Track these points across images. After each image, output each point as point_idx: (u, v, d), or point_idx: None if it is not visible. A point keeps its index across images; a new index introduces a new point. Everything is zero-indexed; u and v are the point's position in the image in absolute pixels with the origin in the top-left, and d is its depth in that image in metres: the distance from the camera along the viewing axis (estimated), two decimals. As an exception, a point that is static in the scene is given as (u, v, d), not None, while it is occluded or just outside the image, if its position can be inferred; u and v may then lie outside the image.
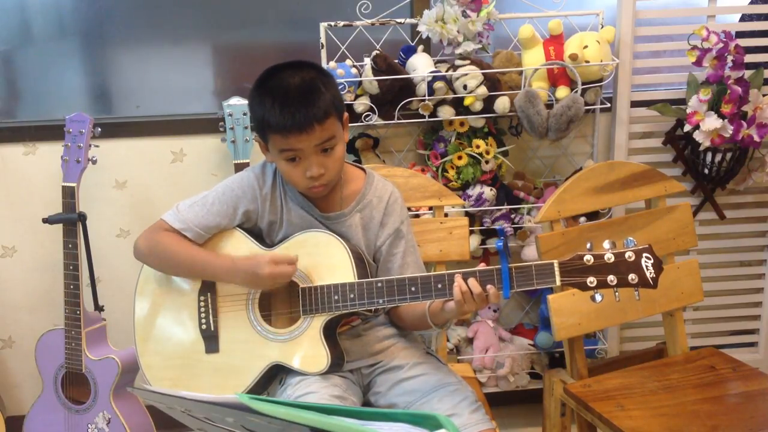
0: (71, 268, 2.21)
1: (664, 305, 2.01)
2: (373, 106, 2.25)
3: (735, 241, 2.61)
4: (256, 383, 1.61)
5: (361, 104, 2.25)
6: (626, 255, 1.45)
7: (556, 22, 2.30)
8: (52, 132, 2.39)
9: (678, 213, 2.04)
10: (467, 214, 2.34)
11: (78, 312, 2.21)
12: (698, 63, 2.26)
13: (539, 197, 2.45)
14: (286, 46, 2.66)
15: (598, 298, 1.46)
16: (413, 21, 2.34)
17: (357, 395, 1.64)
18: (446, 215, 2.02)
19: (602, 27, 2.36)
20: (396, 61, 2.28)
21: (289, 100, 1.50)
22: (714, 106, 2.26)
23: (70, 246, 2.21)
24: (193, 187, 2.41)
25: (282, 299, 1.66)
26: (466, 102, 2.25)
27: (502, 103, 2.28)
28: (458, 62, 2.28)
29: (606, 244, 1.47)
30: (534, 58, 2.30)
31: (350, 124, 2.24)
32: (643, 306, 1.98)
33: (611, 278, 1.45)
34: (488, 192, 2.35)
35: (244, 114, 2.26)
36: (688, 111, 2.29)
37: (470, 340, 2.51)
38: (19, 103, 2.60)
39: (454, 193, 2.07)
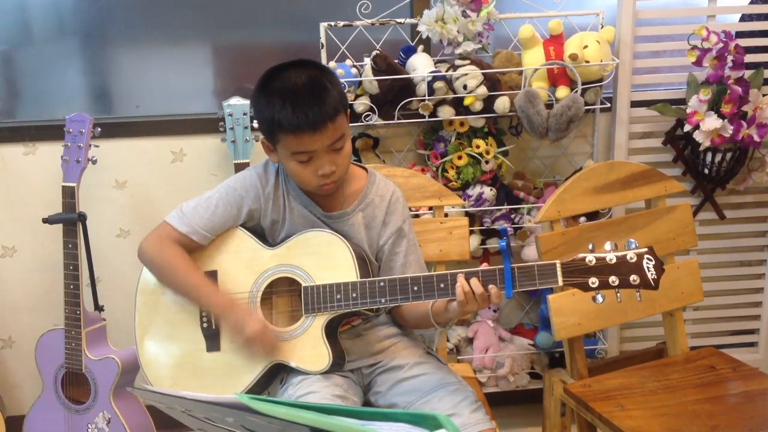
0: (71, 268, 2.21)
1: (664, 305, 2.01)
2: (373, 106, 2.25)
3: (735, 241, 2.61)
4: (257, 382, 1.61)
5: (361, 104, 2.25)
6: (628, 256, 1.46)
7: (556, 22, 2.30)
8: (52, 132, 2.39)
9: (678, 213, 2.04)
10: (467, 214, 2.34)
11: (78, 312, 2.21)
12: (698, 63, 2.26)
13: (539, 197, 2.45)
14: (286, 46, 2.66)
15: (599, 299, 1.47)
16: (413, 21, 2.34)
17: (358, 395, 1.65)
18: (446, 215, 2.02)
19: (602, 27, 2.36)
20: (396, 61, 2.28)
21: (299, 99, 1.49)
22: (714, 106, 2.26)
23: (70, 246, 2.20)
24: (193, 187, 2.42)
25: (284, 298, 1.66)
26: (466, 102, 2.25)
27: (502, 103, 2.28)
28: (458, 62, 2.28)
29: (608, 246, 1.48)
30: (534, 58, 2.30)
31: (350, 124, 2.25)
32: (643, 306, 1.98)
33: (613, 279, 1.46)
34: (488, 192, 2.35)
35: (244, 114, 2.26)
36: (688, 111, 2.29)
37: (470, 340, 2.51)
38: (19, 103, 2.60)
39: (454, 193, 2.07)
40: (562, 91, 2.28)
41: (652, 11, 2.42)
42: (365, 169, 1.73)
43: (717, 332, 2.68)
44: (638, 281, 1.45)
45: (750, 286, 2.66)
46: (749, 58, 2.30)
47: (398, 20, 2.33)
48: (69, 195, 2.20)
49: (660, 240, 1.97)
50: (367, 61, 2.24)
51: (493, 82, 2.27)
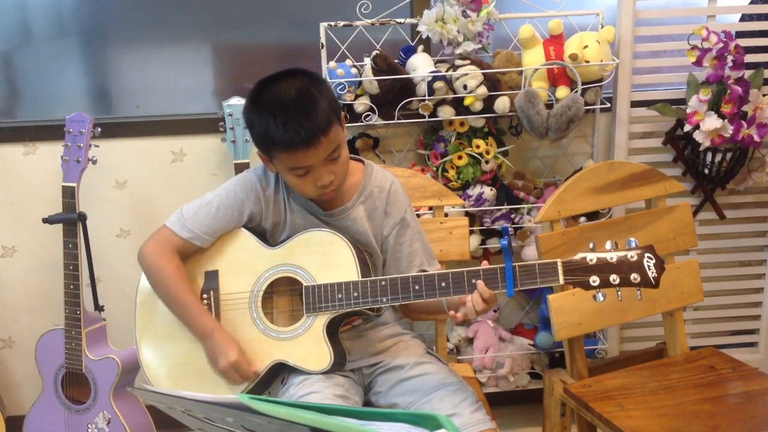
0: (71, 268, 2.21)
1: (664, 305, 2.01)
2: (373, 106, 2.25)
3: (735, 241, 2.61)
4: (258, 382, 1.61)
5: (361, 104, 2.25)
6: (629, 255, 1.46)
7: (556, 22, 2.30)
8: (52, 132, 2.39)
9: (678, 213, 2.04)
10: (467, 214, 2.34)
11: (78, 312, 2.21)
12: (698, 63, 2.26)
13: (539, 197, 2.45)
14: (286, 46, 2.66)
15: (600, 297, 1.47)
16: (413, 21, 2.34)
17: (359, 395, 1.65)
18: (446, 215, 2.02)
19: (602, 27, 2.36)
20: (396, 61, 2.28)
21: (289, 114, 1.48)
22: (714, 106, 2.26)
23: (70, 246, 2.20)
24: (193, 187, 2.42)
25: (285, 297, 1.66)
26: (466, 102, 2.25)
27: (502, 103, 2.28)
28: (458, 62, 2.28)
29: (608, 245, 1.48)
30: (534, 58, 2.30)
31: (350, 124, 2.26)
32: (643, 306, 1.98)
33: (614, 278, 1.46)
34: (488, 192, 2.35)
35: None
36: (688, 111, 2.29)
37: (470, 340, 2.51)
38: (19, 103, 2.60)
39: (454, 193, 2.07)
40: (562, 91, 2.28)
41: (652, 11, 2.42)
42: (361, 161, 1.73)
43: (717, 332, 2.68)
44: (639, 280, 1.46)
45: (750, 286, 2.66)
46: (749, 58, 2.30)
47: (398, 20, 2.33)
48: (69, 195, 2.20)
49: (660, 240, 1.97)
50: (367, 61, 2.24)
51: (493, 82, 2.27)
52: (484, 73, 2.25)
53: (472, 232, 2.37)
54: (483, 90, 2.24)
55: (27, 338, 2.55)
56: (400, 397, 1.63)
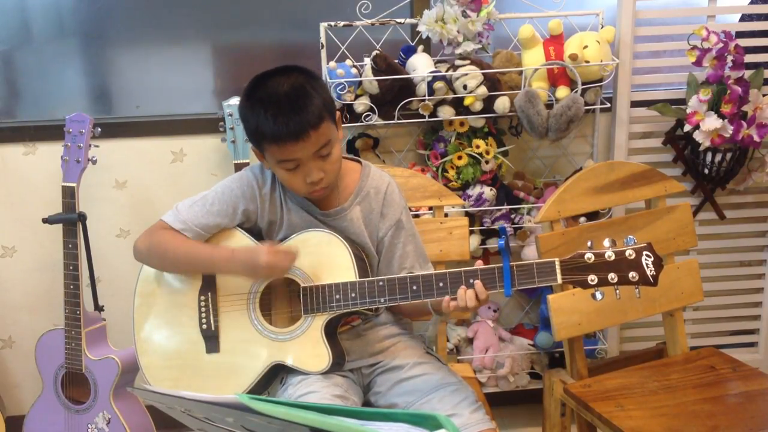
0: (71, 268, 2.21)
1: (664, 305, 2.01)
2: (373, 106, 2.25)
3: (735, 241, 2.61)
4: (257, 383, 1.61)
5: (361, 104, 2.25)
6: (627, 253, 1.46)
7: (556, 22, 2.30)
8: (52, 132, 2.39)
9: (678, 213, 2.04)
10: (467, 214, 2.34)
11: (78, 312, 2.21)
12: (698, 63, 2.26)
13: (539, 197, 2.45)
14: (286, 46, 2.66)
15: (598, 296, 1.47)
16: (413, 21, 2.34)
17: (358, 395, 1.65)
18: (446, 215, 2.02)
19: (602, 27, 2.36)
20: (396, 61, 2.28)
21: (281, 108, 1.49)
22: (714, 106, 2.26)
23: (70, 246, 2.20)
24: (193, 187, 2.41)
25: (283, 299, 1.66)
26: (466, 102, 2.25)
27: (502, 103, 2.28)
28: (458, 62, 2.28)
29: (606, 243, 1.48)
30: (534, 58, 2.30)
31: (350, 124, 2.26)
32: (643, 306, 1.98)
33: (612, 276, 1.46)
34: (488, 192, 2.35)
35: (244, 114, 2.26)
36: (688, 111, 2.29)
37: (470, 340, 2.51)
38: (19, 103, 2.60)
39: (454, 193, 2.07)
40: (562, 91, 2.28)
41: (652, 11, 2.42)
42: (359, 161, 1.73)
43: (717, 332, 2.68)
44: (637, 278, 1.45)
45: (750, 286, 2.66)
46: (749, 58, 2.30)
47: (398, 20, 2.33)
48: (69, 195, 2.20)
49: (660, 240, 1.97)
50: (367, 61, 2.24)
51: (493, 82, 2.27)
52: (484, 73, 2.25)
53: (472, 232, 2.37)
54: (483, 90, 2.24)
55: (27, 338, 2.55)
56: (400, 398, 1.63)
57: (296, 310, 1.62)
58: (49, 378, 2.28)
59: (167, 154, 2.49)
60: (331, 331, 1.61)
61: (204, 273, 1.64)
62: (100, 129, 2.23)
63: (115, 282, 2.54)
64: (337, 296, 1.57)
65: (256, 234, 1.68)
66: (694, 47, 2.25)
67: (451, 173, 2.34)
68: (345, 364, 1.65)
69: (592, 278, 1.46)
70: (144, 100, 2.58)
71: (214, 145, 2.45)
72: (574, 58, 2.23)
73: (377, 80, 2.20)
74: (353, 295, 1.56)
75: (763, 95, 2.34)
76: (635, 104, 2.45)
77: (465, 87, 2.24)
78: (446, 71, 2.26)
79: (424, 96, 2.24)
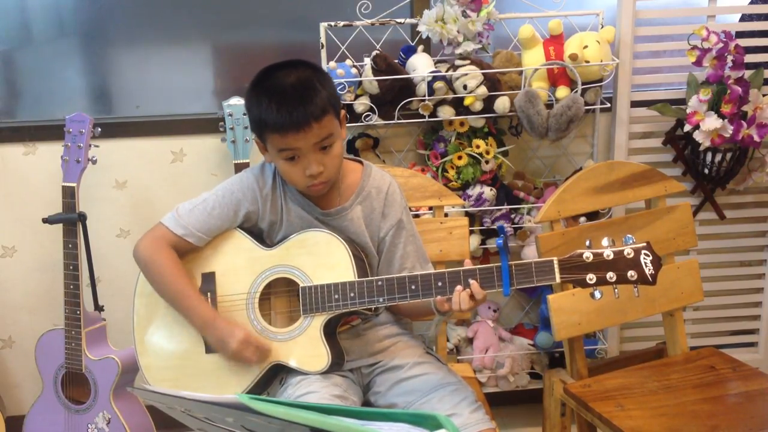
0: (71, 268, 2.21)
1: (664, 305, 2.01)
2: (373, 106, 2.25)
3: (735, 241, 2.61)
4: (257, 383, 1.61)
5: (361, 104, 2.25)
6: (625, 252, 1.46)
7: (556, 22, 2.30)
8: (52, 132, 2.39)
9: (678, 213, 2.04)
10: (467, 214, 2.34)
11: (78, 312, 2.21)
12: (698, 63, 2.26)
13: (539, 197, 2.45)
14: (286, 46, 2.66)
15: (597, 295, 1.47)
16: (413, 21, 2.34)
17: (357, 395, 1.65)
18: (446, 215, 2.02)
19: (602, 27, 2.36)
20: (396, 61, 2.28)
21: (285, 98, 1.50)
22: (714, 106, 2.26)
23: (70, 246, 2.20)
24: (193, 187, 2.42)
25: (282, 298, 1.66)
26: (466, 102, 2.25)
27: (502, 103, 2.28)
28: (458, 62, 2.28)
29: (605, 242, 1.48)
30: (534, 58, 2.30)
31: (350, 124, 2.26)
32: (643, 306, 1.98)
33: (610, 275, 1.46)
34: (488, 192, 2.35)
35: (244, 114, 2.26)
36: (688, 111, 2.29)
37: (470, 340, 2.50)
38: (19, 103, 2.60)
39: (454, 193, 2.07)
40: (562, 91, 2.28)
41: (652, 11, 2.42)
42: (360, 161, 1.73)
43: (717, 332, 2.68)
44: (636, 277, 1.45)
45: (750, 286, 2.66)
46: (749, 58, 2.30)
47: (398, 20, 2.33)
48: (69, 195, 2.20)
49: (660, 240, 1.97)
50: (367, 61, 2.24)
51: (493, 82, 2.27)
52: (484, 73, 2.25)
53: (472, 232, 2.37)
54: (483, 90, 2.24)
55: (27, 338, 2.55)
56: (399, 397, 1.63)
57: (295, 310, 1.62)
58: (49, 378, 2.28)
59: (167, 154, 2.49)
60: (330, 331, 1.61)
61: (180, 313, 1.63)
62: (100, 129, 2.23)
63: (115, 282, 2.54)
64: (336, 296, 1.57)
65: (257, 234, 1.68)
66: (694, 47, 2.25)
67: (451, 173, 2.34)
68: (344, 364, 1.65)
69: (591, 277, 1.46)
70: (144, 100, 2.58)
71: (214, 145, 2.45)
72: (574, 58, 2.23)
73: (377, 80, 2.20)
74: (352, 294, 1.56)
75: (763, 95, 2.34)
76: (635, 104, 2.45)
77: (465, 87, 2.24)
78: (446, 71, 2.26)
79: (424, 96, 2.24)
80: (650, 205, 2.05)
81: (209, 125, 2.40)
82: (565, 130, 2.24)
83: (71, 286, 2.21)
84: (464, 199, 2.34)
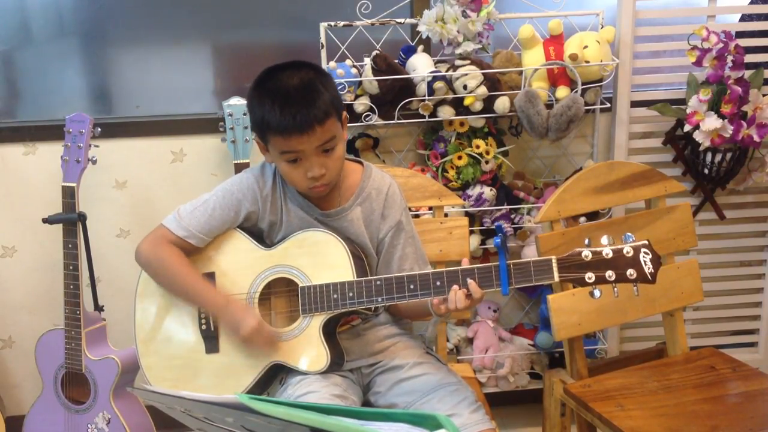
0: (71, 268, 2.21)
1: (664, 305, 2.01)
2: (373, 106, 2.25)
3: (735, 241, 2.61)
4: (256, 383, 1.61)
5: (361, 104, 2.25)
6: (624, 250, 1.46)
7: (556, 22, 2.30)
8: (52, 132, 2.39)
9: (678, 213, 2.04)
10: (467, 214, 2.34)
11: (78, 312, 2.21)
12: (698, 63, 2.26)
13: (539, 197, 2.45)
14: (286, 46, 2.66)
15: (596, 294, 1.46)
16: (413, 21, 2.34)
17: (357, 395, 1.65)
18: (446, 215, 2.02)
19: (602, 27, 2.36)
20: (396, 61, 2.28)
21: (289, 101, 1.49)
22: (714, 106, 2.26)
23: (70, 246, 2.21)
24: (193, 187, 2.42)
25: (282, 298, 1.66)
26: (466, 102, 2.25)
27: (502, 103, 2.28)
28: (458, 62, 2.28)
29: (604, 240, 1.47)
30: (534, 58, 2.30)
31: (350, 124, 2.26)
32: (643, 306, 1.98)
33: (609, 274, 1.45)
34: (488, 192, 2.35)
35: (244, 114, 2.26)
36: (688, 111, 2.29)
37: (470, 340, 2.50)
38: (19, 103, 2.60)
39: (454, 193, 2.07)
40: (562, 91, 2.28)
41: (652, 11, 2.42)
42: (360, 162, 1.73)
43: (717, 332, 2.68)
44: (635, 275, 1.45)
45: (750, 286, 2.66)
46: (749, 58, 2.30)
47: (398, 20, 2.33)
48: (69, 195, 2.20)
49: (660, 240, 1.97)
50: (367, 61, 2.24)
51: (493, 82, 2.27)
52: (484, 73, 2.25)
53: (472, 232, 2.37)
54: (483, 90, 2.24)
55: (27, 338, 2.55)
56: (399, 397, 1.63)
57: (295, 310, 1.62)
58: (49, 378, 2.28)
59: (167, 154, 2.49)
60: (330, 331, 1.61)
61: (193, 305, 1.64)
62: (100, 129, 2.24)
63: (115, 282, 2.54)
64: (335, 296, 1.57)
65: (256, 234, 1.68)
66: (694, 47, 2.25)
67: (451, 173, 2.34)
68: (344, 364, 1.65)
69: (590, 276, 1.45)
70: (144, 100, 2.58)
71: (214, 145, 2.45)
72: (574, 58, 2.23)
73: (377, 80, 2.20)
74: (351, 294, 1.56)
75: (763, 95, 2.34)
76: (635, 104, 2.45)
77: (465, 87, 2.24)
78: (446, 71, 2.26)
79: (424, 96, 2.24)
80: (650, 205, 2.05)
81: (209, 125, 2.40)
82: (565, 130, 2.24)
83: (71, 286, 2.21)
84: (464, 199, 2.34)
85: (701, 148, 2.32)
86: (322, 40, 2.31)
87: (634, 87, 2.44)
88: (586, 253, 1.46)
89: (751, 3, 2.47)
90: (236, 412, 0.97)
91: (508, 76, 2.32)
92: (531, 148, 2.54)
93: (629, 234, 1.47)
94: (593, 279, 1.45)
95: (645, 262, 1.45)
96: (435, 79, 2.22)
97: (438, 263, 1.93)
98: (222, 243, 1.66)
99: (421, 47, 2.35)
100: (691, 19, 2.44)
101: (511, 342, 2.53)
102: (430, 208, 2.03)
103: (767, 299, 2.65)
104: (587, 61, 2.25)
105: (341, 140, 1.58)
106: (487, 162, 2.34)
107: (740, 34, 2.42)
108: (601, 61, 2.27)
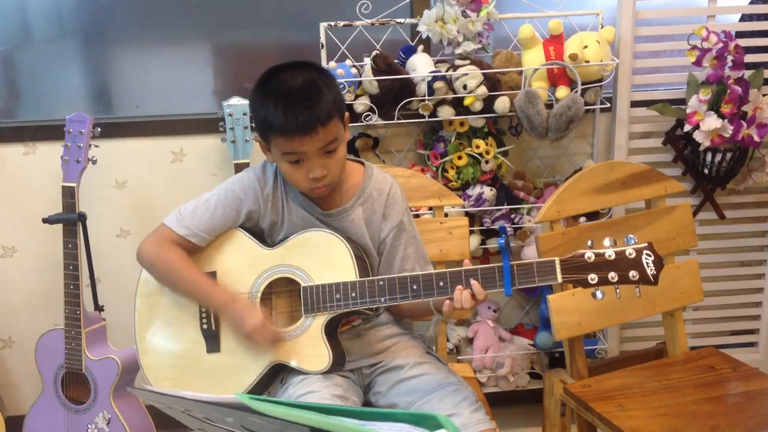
0: (71, 268, 2.21)
1: (664, 305, 2.01)
2: (373, 106, 2.25)
3: (735, 241, 2.61)
4: (258, 383, 1.61)
5: (361, 104, 2.25)
6: (627, 252, 1.46)
7: (556, 22, 2.30)
8: (52, 132, 2.39)
9: (678, 213, 2.04)
10: (467, 214, 2.34)
11: (78, 312, 2.21)
12: (698, 63, 2.26)
13: (539, 197, 2.45)
14: (286, 46, 2.66)
15: (599, 295, 1.47)
16: (413, 21, 2.34)
17: (358, 395, 1.65)
18: (446, 215, 2.02)
19: (602, 27, 2.36)
20: (396, 61, 2.28)
21: (291, 102, 1.49)
22: (714, 106, 2.26)
23: (70, 246, 2.20)
24: (193, 187, 2.42)
25: (284, 298, 1.66)
26: (466, 102, 2.25)
27: (502, 103, 2.28)
28: (458, 62, 2.28)
29: (607, 242, 1.48)
30: (534, 58, 2.30)
31: (350, 124, 2.25)
32: (643, 306, 1.98)
33: (612, 275, 1.46)
34: (488, 192, 2.35)
35: (244, 114, 2.26)
36: (688, 111, 2.29)
37: (470, 340, 2.51)
38: (19, 103, 2.60)
39: (454, 193, 2.07)
40: (562, 91, 2.28)
41: (652, 11, 2.42)
42: (362, 163, 1.73)
43: (717, 332, 2.68)
44: (637, 277, 1.45)
45: (750, 286, 2.66)
46: (749, 58, 2.30)
47: (398, 20, 2.33)
48: (69, 195, 2.20)
49: (660, 240, 1.97)
50: (367, 61, 2.24)
51: (493, 82, 2.27)
52: (484, 73, 2.25)
53: (472, 232, 2.37)
54: (483, 90, 2.24)
55: (27, 338, 2.55)
56: (400, 398, 1.63)
57: (297, 310, 1.62)
58: (49, 378, 2.28)
59: (167, 154, 2.49)
60: (331, 331, 1.61)
61: (196, 302, 1.64)
62: (100, 129, 2.23)
63: (115, 282, 2.54)
64: (338, 296, 1.57)
65: (258, 234, 1.68)
66: (694, 47, 2.25)
67: (451, 173, 2.34)
68: (345, 364, 1.65)
69: (593, 277, 1.46)
70: (144, 100, 2.58)
71: (214, 145, 2.45)
72: (574, 58, 2.23)
73: (377, 80, 2.20)
74: (353, 294, 1.56)
75: (763, 95, 2.34)
76: (635, 104, 2.45)
77: (465, 87, 2.24)
78: (446, 71, 2.27)
79: (424, 96, 2.24)
80: (650, 205, 2.05)
81: (209, 125, 2.40)
82: (565, 130, 2.24)
83: (71, 286, 2.21)
84: (464, 199, 2.34)
85: (701, 148, 2.32)
86: (322, 40, 2.31)
87: (634, 87, 2.44)
88: (589, 255, 1.46)
89: (751, 3, 2.47)
90: (236, 412, 0.97)
91: (508, 76, 2.32)
92: (531, 148, 2.54)
93: (631, 236, 1.47)
94: (596, 280, 1.46)
95: (647, 263, 1.45)
96: (435, 79, 2.22)
97: (438, 263, 1.93)
98: (224, 242, 1.66)
99: (421, 47, 2.35)
100: (691, 19, 2.44)
101: (511, 342, 2.53)
102: (430, 208, 2.03)
103: (767, 299, 2.66)
104: (587, 61, 2.25)
105: (343, 141, 1.58)
106: (487, 162, 2.34)
107: (740, 34, 2.42)
108: (601, 61, 2.27)
